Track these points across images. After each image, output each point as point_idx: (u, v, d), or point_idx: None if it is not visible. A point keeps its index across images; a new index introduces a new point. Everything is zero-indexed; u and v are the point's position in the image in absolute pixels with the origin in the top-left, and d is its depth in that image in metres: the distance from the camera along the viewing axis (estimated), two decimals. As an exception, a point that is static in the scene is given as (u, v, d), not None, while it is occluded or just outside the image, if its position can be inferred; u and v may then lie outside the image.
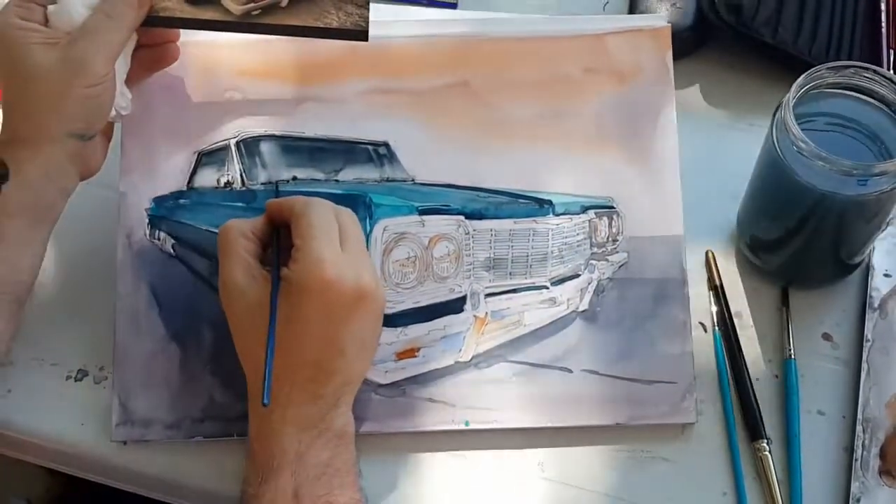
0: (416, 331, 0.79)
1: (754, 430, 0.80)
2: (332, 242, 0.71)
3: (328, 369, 0.71)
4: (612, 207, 0.84)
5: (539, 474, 0.79)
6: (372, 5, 0.78)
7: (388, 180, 0.83)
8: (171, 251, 0.83)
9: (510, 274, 0.82)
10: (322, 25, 0.78)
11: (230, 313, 0.73)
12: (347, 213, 0.74)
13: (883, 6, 0.98)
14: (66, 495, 1.23)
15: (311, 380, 0.71)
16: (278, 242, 0.73)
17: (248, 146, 0.84)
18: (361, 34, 0.78)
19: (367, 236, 0.76)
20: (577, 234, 0.84)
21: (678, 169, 0.84)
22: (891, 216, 0.81)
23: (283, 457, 0.70)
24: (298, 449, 0.70)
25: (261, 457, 0.71)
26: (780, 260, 0.85)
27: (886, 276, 0.85)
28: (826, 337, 0.84)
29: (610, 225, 0.84)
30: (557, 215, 0.83)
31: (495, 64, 0.85)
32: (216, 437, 0.79)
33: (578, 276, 0.83)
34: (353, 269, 0.70)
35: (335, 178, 0.83)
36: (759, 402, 0.81)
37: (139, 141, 0.84)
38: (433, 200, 0.80)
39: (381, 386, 0.79)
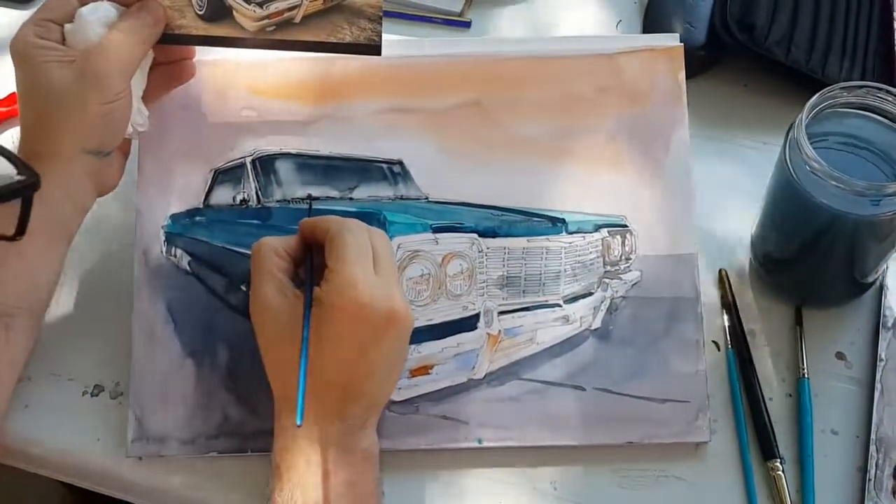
0: (429, 348, 0.79)
1: (768, 450, 0.80)
2: (365, 265, 0.71)
3: (357, 391, 0.72)
4: (625, 226, 0.84)
5: (552, 493, 0.79)
6: (386, 24, 0.79)
7: (401, 198, 0.84)
8: (188, 268, 0.83)
9: (523, 292, 0.82)
10: (335, 41, 0.79)
11: (260, 330, 0.73)
12: (381, 236, 0.74)
13: (896, 25, 0.98)
14: (80, 510, 1.24)
15: (339, 400, 0.71)
16: (312, 262, 0.74)
17: (264, 164, 0.84)
18: (374, 49, 0.79)
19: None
20: (590, 253, 0.84)
21: (691, 187, 0.84)
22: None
23: (309, 475, 0.70)
24: (325, 468, 0.70)
25: (286, 474, 0.71)
26: (794, 279, 0.85)
27: (900, 295, 0.86)
28: (840, 356, 0.84)
29: (623, 243, 0.84)
30: (570, 233, 0.83)
31: (508, 83, 0.86)
32: (231, 453, 0.79)
33: (591, 294, 0.83)
34: (384, 293, 0.70)
35: (350, 195, 0.84)
36: (772, 421, 0.81)
37: (156, 158, 0.85)
38: (447, 218, 0.81)
39: (394, 403, 0.79)
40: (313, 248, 0.74)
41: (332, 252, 0.71)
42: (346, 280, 0.70)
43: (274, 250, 0.74)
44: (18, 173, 0.64)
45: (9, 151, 0.65)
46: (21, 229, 0.67)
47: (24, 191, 0.64)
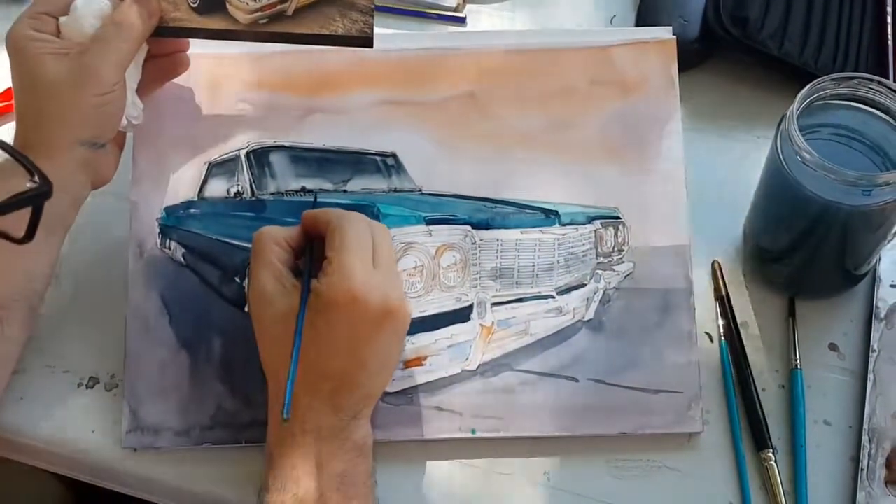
0: (423, 339, 0.80)
1: (760, 440, 0.80)
2: (364, 258, 0.71)
3: (350, 383, 0.72)
4: (618, 218, 0.84)
5: (545, 483, 0.79)
6: (381, 20, 0.80)
7: (395, 190, 0.84)
8: (182, 260, 0.84)
9: (516, 283, 0.83)
10: (328, 33, 0.79)
11: (257, 319, 0.73)
12: (382, 230, 0.74)
13: (889, 19, 0.98)
14: (77, 505, 1.24)
15: (333, 392, 0.71)
16: (312, 254, 0.74)
17: (258, 157, 0.85)
18: (366, 41, 0.79)
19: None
20: (583, 244, 0.84)
21: (684, 180, 0.85)
22: (896, 226, 0.81)
23: (303, 466, 0.70)
24: (318, 459, 0.71)
25: (280, 464, 0.71)
26: (787, 270, 0.85)
27: (893, 286, 0.86)
28: (832, 347, 0.84)
29: (615, 235, 0.84)
30: (563, 225, 0.84)
31: (501, 76, 0.86)
32: (225, 444, 0.80)
33: (584, 285, 0.84)
34: (382, 287, 0.71)
35: (344, 188, 0.84)
36: (765, 411, 0.81)
37: (150, 151, 0.85)
38: (440, 210, 0.81)
39: (388, 394, 0.80)
40: (314, 240, 0.75)
41: (332, 244, 0.72)
42: (344, 272, 0.70)
43: (275, 240, 0.74)
44: (31, 180, 0.65)
45: (24, 157, 0.65)
46: (30, 234, 0.67)
47: (36, 199, 0.65)
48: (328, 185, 0.84)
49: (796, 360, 0.83)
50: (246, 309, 0.81)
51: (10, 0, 1.04)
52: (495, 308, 0.82)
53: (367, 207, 0.78)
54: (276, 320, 0.71)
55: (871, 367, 0.82)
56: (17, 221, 0.64)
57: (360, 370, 0.72)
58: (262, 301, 0.72)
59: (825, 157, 0.74)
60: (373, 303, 0.70)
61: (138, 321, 0.82)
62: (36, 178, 0.63)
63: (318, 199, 0.82)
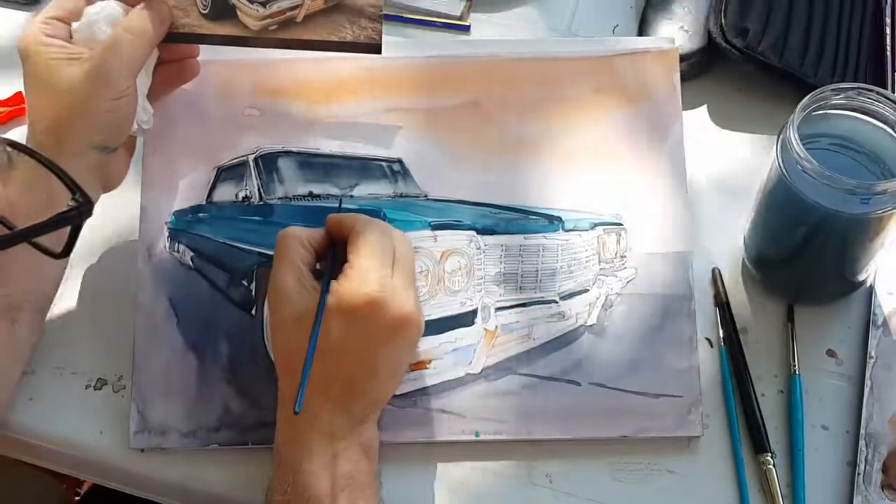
0: (427, 343, 0.81)
1: (759, 444, 0.81)
2: (383, 265, 0.72)
3: (360, 388, 0.73)
4: (621, 224, 0.85)
5: (547, 485, 0.80)
6: (386, 28, 0.81)
7: (401, 196, 0.85)
8: (190, 264, 0.85)
9: (520, 288, 0.84)
10: (337, 39, 0.80)
11: (274, 317, 0.74)
12: (404, 239, 0.75)
13: (888, 30, 0.99)
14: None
15: (343, 395, 0.72)
16: (333, 256, 0.75)
17: (266, 162, 0.86)
18: (374, 47, 0.80)
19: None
20: (586, 250, 0.85)
21: (685, 187, 0.86)
22: (894, 235, 0.82)
23: (310, 465, 0.71)
24: (326, 460, 0.72)
25: (288, 463, 0.72)
26: (786, 277, 0.86)
27: (890, 294, 0.87)
28: (830, 353, 0.85)
29: (618, 241, 0.85)
30: (567, 231, 0.85)
31: (506, 84, 0.87)
32: (231, 446, 0.81)
33: (587, 290, 0.85)
34: (399, 294, 0.71)
35: (350, 193, 0.85)
36: (763, 416, 0.82)
37: (160, 156, 0.86)
38: (445, 216, 0.82)
39: (393, 396, 0.80)
40: (337, 244, 0.75)
41: (354, 248, 0.72)
42: (363, 278, 0.71)
43: (299, 240, 0.74)
44: (73, 198, 0.66)
45: (68, 176, 0.67)
46: (68, 250, 0.68)
47: (77, 218, 0.66)
48: (335, 191, 0.85)
49: (795, 366, 0.84)
50: (253, 312, 0.82)
51: (22, 3, 1.06)
52: (499, 312, 0.83)
53: (373, 213, 0.79)
54: (293, 319, 0.72)
55: (868, 373, 0.83)
56: (56, 236, 0.66)
57: (371, 376, 0.73)
58: (282, 299, 0.73)
59: (824, 166, 0.75)
60: (389, 309, 0.71)
61: (146, 323, 0.83)
62: (78, 197, 0.64)
63: (343, 206, 0.83)
